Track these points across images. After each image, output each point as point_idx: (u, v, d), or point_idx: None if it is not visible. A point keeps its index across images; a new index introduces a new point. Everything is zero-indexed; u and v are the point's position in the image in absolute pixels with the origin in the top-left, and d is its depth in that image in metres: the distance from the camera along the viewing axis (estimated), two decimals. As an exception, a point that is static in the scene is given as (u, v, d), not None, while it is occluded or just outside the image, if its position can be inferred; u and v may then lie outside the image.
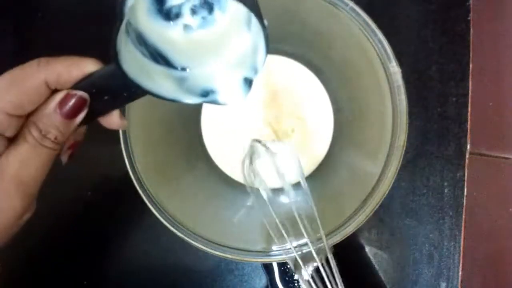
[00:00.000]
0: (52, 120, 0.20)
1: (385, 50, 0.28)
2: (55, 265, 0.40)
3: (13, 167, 0.20)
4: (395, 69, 0.28)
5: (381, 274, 0.39)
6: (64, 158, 0.23)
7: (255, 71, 0.22)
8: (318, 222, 0.24)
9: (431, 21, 0.41)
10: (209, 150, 0.38)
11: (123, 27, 0.19)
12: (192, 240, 0.29)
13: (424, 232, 0.39)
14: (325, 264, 0.24)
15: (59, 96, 0.20)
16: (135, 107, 0.30)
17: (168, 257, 0.40)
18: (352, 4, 0.28)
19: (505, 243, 0.40)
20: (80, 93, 0.21)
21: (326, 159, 0.37)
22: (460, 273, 0.39)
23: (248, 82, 0.22)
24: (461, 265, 0.39)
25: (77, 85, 0.21)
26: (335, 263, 0.24)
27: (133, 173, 0.29)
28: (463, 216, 0.39)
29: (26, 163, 0.20)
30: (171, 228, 0.29)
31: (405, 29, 0.41)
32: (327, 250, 0.23)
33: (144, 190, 0.29)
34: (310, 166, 0.37)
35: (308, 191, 0.25)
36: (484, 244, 0.40)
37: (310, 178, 0.37)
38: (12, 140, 0.20)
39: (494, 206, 0.40)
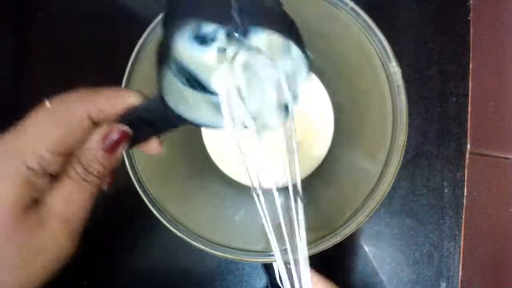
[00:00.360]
0: (95, 154, 0.20)
1: (385, 50, 0.28)
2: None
3: (58, 207, 0.20)
4: (395, 69, 0.28)
5: (381, 274, 0.39)
6: (105, 186, 0.23)
7: (294, 97, 0.22)
8: (300, 227, 0.24)
9: (431, 21, 0.41)
10: (209, 150, 0.38)
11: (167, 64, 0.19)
12: (192, 240, 0.29)
13: (424, 232, 0.39)
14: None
15: (101, 131, 0.20)
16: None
17: (168, 257, 0.40)
18: (352, 4, 0.28)
19: (505, 243, 0.40)
20: (123, 127, 0.21)
21: (326, 159, 0.37)
22: (460, 273, 0.39)
23: (285, 108, 0.22)
24: (461, 265, 0.39)
25: (120, 119, 0.21)
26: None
27: (133, 174, 0.29)
28: (463, 216, 0.39)
29: (71, 201, 0.20)
30: (171, 228, 0.29)
31: (405, 29, 0.41)
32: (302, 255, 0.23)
33: (144, 191, 0.29)
34: (310, 166, 0.37)
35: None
36: (484, 244, 0.40)
37: (311, 178, 0.37)
38: (56, 177, 0.20)
39: (494, 206, 0.40)
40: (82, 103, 0.20)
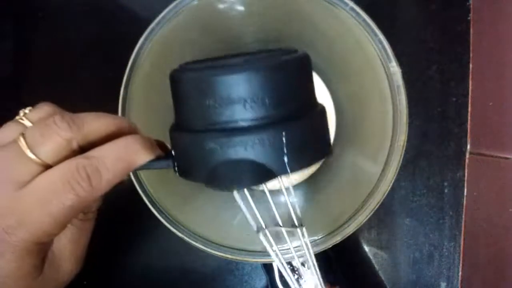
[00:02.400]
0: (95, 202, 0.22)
1: (385, 50, 0.28)
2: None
3: (68, 249, 0.22)
4: (395, 69, 0.28)
5: (381, 274, 0.39)
6: None
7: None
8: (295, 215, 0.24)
9: (431, 21, 0.41)
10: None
11: None
12: (192, 240, 0.29)
13: (424, 232, 0.39)
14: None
15: None
16: (136, 110, 0.30)
17: (168, 257, 0.40)
18: (352, 4, 0.28)
19: (505, 243, 0.40)
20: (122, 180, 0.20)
21: (326, 159, 0.37)
22: (460, 273, 0.38)
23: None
24: (461, 265, 0.39)
25: None
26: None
27: (133, 174, 0.29)
28: (463, 216, 0.39)
29: (78, 241, 0.22)
30: (171, 228, 0.29)
31: (405, 29, 0.41)
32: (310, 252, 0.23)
33: (144, 191, 0.29)
34: (311, 166, 0.37)
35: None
36: (484, 244, 0.40)
37: (311, 178, 0.37)
38: None
39: (494, 206, 0.40)
40: (92, 191, 0.18)
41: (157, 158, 0.20)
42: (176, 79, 0.19)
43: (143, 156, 0.19)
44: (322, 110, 0.20)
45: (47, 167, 0.18)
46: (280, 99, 0.17)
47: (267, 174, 0.17)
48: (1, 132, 0.20)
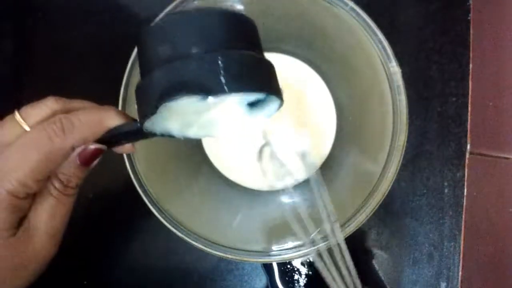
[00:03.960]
0: (72, 170, 0.22)
1: (385, 50, 0.28)
2: (55, 265, 0.40)
3: (44, 222, 0.22)
4: (395, 69, 0.28)
5: (381, 274, 0.39)
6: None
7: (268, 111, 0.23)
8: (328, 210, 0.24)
9: (431, 21, 0.41)
10: (207, 151, 0.38)
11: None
12: (192, 240, 0.29)
13: (424, 232, 0.39)
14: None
15: (78, 150, 0.22)
16: (134, 111, 0.30)
17: (168, 257, 0.40)
18: (352, 4, 0.28)
19: (505, 243, 0.40)
20: (98, 146, 0.22)
21: (327, 159, 0.37)
22: (460, 273, 0.39)
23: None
24: (461, 265, 0.39)
25: (98, 139, 0.22)
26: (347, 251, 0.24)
27: (133, 174, 0.29)
28: (463, 216, 0.39)
29: (54, 215, 0.22)
30: (171, 228, 0.29)
31: (405, 29, 0.41)
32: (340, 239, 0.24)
33: (144, 191, 0.29)
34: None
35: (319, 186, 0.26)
36: (484, 244, 0.40)
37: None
38: (37, 193, 0.22)
39: (494, 206, 0.40)
40: (65, 139, 0.21)
41: (126, 123, 0.22)
42: (138, 36, 0.21)
43: (113, 119, 0.22)
44: (266, 60, 0.22)
45: None
46: (217, 37, 0.19)
47: (207, 92, 0.19)
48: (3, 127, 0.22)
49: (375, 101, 0.32)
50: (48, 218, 0.22)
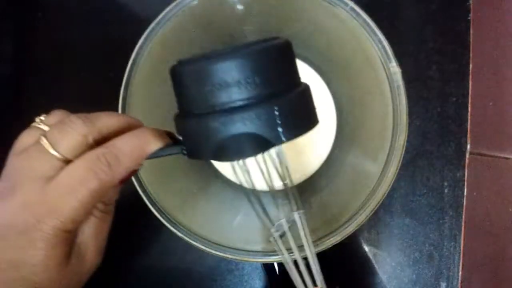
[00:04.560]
0: (113, 192, 0.23)
1: (385, 50, 0.28)
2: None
3: (92, 242, 0.23)
4: (395, 69, 0.28)
5: (381, 274, 0.39)
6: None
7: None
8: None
9: (431, 21, 0.41)
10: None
11: None
12: (192, 240, 0.29)
13: (424, 232, 0.39)
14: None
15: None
16: (136, 110, 0.30)
17: (168, 257, 0.40)
18: (352, 4, 0.28)
19: (505, 243, 0.40)
20: (139, 166, 0.22)
21: (326, 159, 0.37)
22: (460, 273, 0.39)
23: None
24: (461, 265, 0.39)
25: None
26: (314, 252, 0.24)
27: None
28: (463, 216, 0.39)
29: (100, 233, 0.23)
30: (171, 228, 0.29)
31: (405, 29, 0.41)
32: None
33: (144, 190, 0.29)
34: (313, 166, 0.37)
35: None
36: (484, 244, 0.40)
37: (312, 178, 0.37)
38: None
39: (494, 206, 0.40)
40: (113, 177, 0.20)
41: (167, 146, 0.22)
42: (176, 72, 0.21)
43: (154, 144, 0.22)
44: (306, 87, 0.23)
45: (67, 162, 0.20)
46: (269, 78, 0.20)
47: (265, 144, 0.20)
48: (22, 137, 0.21)
49: (375, 101, 0.32)
50: (95, 237, 0.23)
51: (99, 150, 0.20)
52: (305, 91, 0.22)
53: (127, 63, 0.30)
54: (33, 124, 0.22)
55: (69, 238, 0.21)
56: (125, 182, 0.23)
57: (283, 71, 0.21)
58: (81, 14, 0.43)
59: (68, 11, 0.43)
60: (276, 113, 0.19)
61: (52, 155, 0.20)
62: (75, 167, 0.20)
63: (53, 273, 0.20)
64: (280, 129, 0.19)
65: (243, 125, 0.19)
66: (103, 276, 0.41)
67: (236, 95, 0.19)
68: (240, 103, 0.19)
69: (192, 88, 0.21)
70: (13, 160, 0.21)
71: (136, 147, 0.21)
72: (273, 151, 0.22)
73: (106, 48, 0.42)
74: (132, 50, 0.30)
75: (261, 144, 0.20)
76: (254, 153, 0.20)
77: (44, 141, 0.20)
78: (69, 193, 0.19)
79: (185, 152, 0.22)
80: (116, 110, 0.29)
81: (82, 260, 0.22)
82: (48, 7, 0.43)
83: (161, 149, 0.22)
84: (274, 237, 0.24)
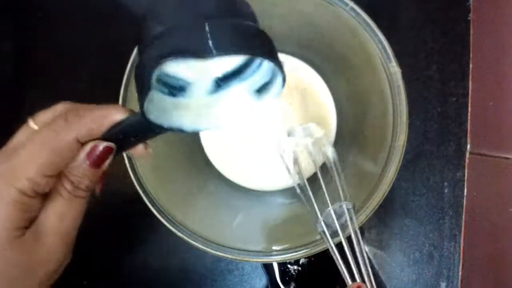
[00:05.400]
0: (82, 171, 0.22)
1: (385, 50, 0.28)
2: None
3: (53, 223, 0.21)
4: (395, 69, 0.28)
5: (381, 274, 0.39)
6: (97, 192, 0.24)
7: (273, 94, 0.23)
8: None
9: (431, 21, 0.41)
10: (207, 152, 0.38)
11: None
12: (192, 240, 0.29)
13: (424, 232, 0.39)
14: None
15: (87, 149, 0.21)
16: (136, 110, 0.30)
17: (168, 257, 0.40)
18: (352, 4, 0.28)
19: (505, 243, 0.40)
20: (107, 144, 0.22)
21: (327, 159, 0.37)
22: (460, 273, 0.39)
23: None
24: (461, 265, 0.39)
25: (105, 135, 0.22)
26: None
27: (133, 174, 0.29)
28: (463, 216, 0.39)
29: (64, 216, 0.22)
30: (171, 228, 0.29)
31: (405, 29, 0.41)
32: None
33: (144, 191, 0.29)
34: (312, 166, 0.37)
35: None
36: (484, 244, 0.40)
37: (311, 178, 0.37)
38: (47, 195, 0.21)
39: (494, 206, 0.40)
40: (69, 128, 0.20)
41: (130, 115, 0.22)
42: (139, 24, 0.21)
43: (118, 113, 0.21)
44: (261, 31, 0.22)
45: None
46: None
47: (194, 53, 0.19)
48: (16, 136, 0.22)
49: (375, 101, 0.32)
50: (57, 219, 0.21)
51: (62, 112, 0.21)
52: (254, 27, 0.21)
53: (127, 63, 0.30)
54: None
55: (26, 204, 0.20)
56: (100, 166, 0.22)
57: (220, 5, 0.20)
58: (81, 14, 0.43)
59: (68, 11, 0.43)
60: (207, 29, 0.19)
61: (30, 126, 0.21)
62: (39, 130, 0.21)
63: (2, 239, 0.19)
64: (210, 42, 0.18)
65: (172, 41, 0.19)
66: (103, 276, 0.41)
67: (170, 22, 0.19)
68: (174, 27, 0.19)
69: (142, 32, 0.21)
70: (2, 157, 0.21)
71: (99, 112, 0.21)
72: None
73: (106, 48, 0.42)
74: (132, 50, 0.30)
75: (190, 55, 0.19)
76: (180, 56, 0.19)
77: (29, 120, 0.22)
78: (29, 152, 0.20)
79: (144, 111, 0.21)
80: (116, 110, 0.29)
81: (39, 241, 0.21)
82: (48, 7, 0.43)
83: (124, 119, 0.21)
84: (322, 226, 0.24)
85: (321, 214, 0.25)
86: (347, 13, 0.29)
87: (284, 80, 0.22)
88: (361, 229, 0.39)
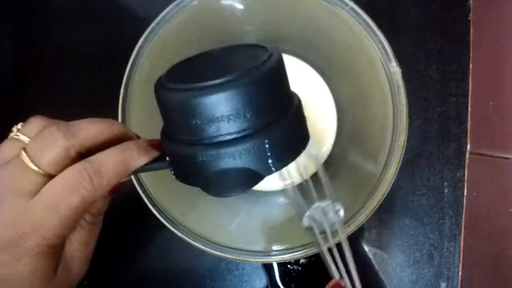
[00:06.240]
0: (102, 202, 0.24)
1: (385, 50, 0.28)
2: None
3: (79, 251, 0.23)
4: (395, 69, 0.28)
5: (381, 274, 0.39)
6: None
7: None
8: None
9: (431, 21, 0.41)
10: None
11: None
12: (193, 240, 0.29)
13: (424, 232, 0.39)
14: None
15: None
16: (136, 110, 0.30)
17: (168, 257, 0.40)
18: (352, 4, 0.28)
19: (505, 243, 0.40)
20: (126, 179, 0.22)
21: (327, 159, 0.37)
22: (460, 273, 0.39)
23: None
24: (461, 265, 0.39)
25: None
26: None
27: (134, 175, 0.29)
28: (463, 216, 0.39)
29: (87, 244, 0.23)
30: (171, 228, 0.29)
31: (405, 29, 0.41)
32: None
33: (144, 190, 0.29)
34: (313, 166, 0.37)
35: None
36: (484, 244, 0.40)
37: (311, 178, 0.37)
38: None
39: (494, 206, 0.40)
40: (95, 191, 0.20)
41: (153, 160, 0.22)
42: (160, 96, 0.20)
43: (139, 159, 0.21)
44: (298, 105, 0.21)
45: (50, 176, 0.20)
46: (259, 109, 0.18)
47: (256, 177, 0.19)
48: (2, 149, 0.21)
49: (375, 101, 0.32)
50: (82, 247, 0.23)
51: (81, 165, 0.20)
52: (296, 111, 0.21)
53: (127, 63, 0.30)
54: (12, 135, 0.21)
55: (55, 252, 0.21)
56: (114, 193, 0.23)
57: (274, 99, 0.19)
58: (81, 14, 0.43)
59: (68, 11, 0.43)
60: (267, 146, 0.18)
61: (33, 170, 0.19)
62: (56, 183, 0.19)
63: (39, 287, 0.20)
64: (270, 161, 0.19)
65: (232, 159, 0.18)
66: (104, 276, 0.41)
67: (224, 129, 0.18)
68: (229, 137, 0.18)
69: (176, 117, 0.19)
70: None
71: (119, 162, 0.20)
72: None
73: (106, 48, 0.42)
74: (132, 50, 0.30)
75: (251, 177, 0.19)
76: (244, 188, 0.19)
77: (24, 156, 0.19)
78: (51, 209, 0.19)
79: (172, 172, 0.21)
80: (116, 109, 0.29)
81: (69, 271, 0.22)
82: (48, 7, 0.43)
83: (146, 165, 0.21)
84: (310, 222, 0.24)
85: (307, 209, 0.25)
86: (347, 13, 0.29)
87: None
88: (361, 229, 0.39)
